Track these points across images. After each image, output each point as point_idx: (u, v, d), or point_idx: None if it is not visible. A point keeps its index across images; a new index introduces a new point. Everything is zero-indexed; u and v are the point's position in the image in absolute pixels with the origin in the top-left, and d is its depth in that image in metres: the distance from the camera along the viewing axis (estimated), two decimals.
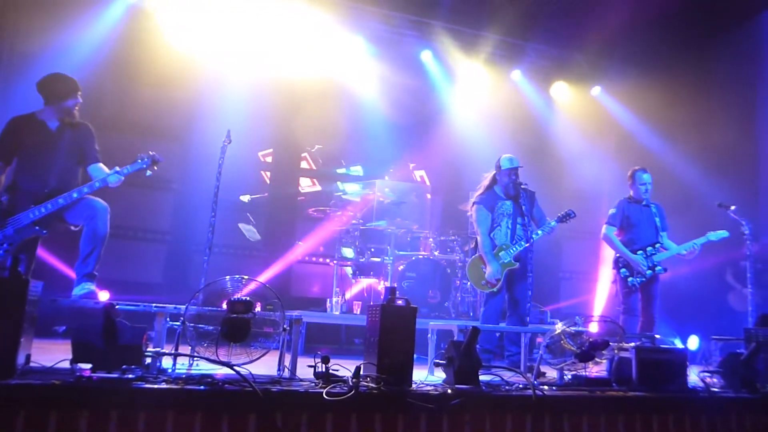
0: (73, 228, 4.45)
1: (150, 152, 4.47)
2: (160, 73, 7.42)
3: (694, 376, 4.33)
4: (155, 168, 4.48)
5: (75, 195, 4.31)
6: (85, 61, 6.76)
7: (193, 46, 7.75)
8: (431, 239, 7.70)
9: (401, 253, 7.49)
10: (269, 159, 9.03)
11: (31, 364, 3.08)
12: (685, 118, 8.75)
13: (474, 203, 5.82)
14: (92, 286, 4.22)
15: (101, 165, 4.55)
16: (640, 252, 5.97)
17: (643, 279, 5.92)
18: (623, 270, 5.99)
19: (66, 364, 3.05)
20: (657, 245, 6.02)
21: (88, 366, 2.91)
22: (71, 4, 7.04)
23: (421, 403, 3.15)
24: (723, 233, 6.00)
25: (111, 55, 7.22)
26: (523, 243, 5.57)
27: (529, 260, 5.57)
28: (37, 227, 4.26)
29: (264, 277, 7.31)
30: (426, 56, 9.22)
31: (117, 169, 4.42)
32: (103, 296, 4.15)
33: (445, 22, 8.81)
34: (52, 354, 3.27)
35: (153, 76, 7.44)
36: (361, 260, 7.43)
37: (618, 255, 6.05)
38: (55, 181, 4.35)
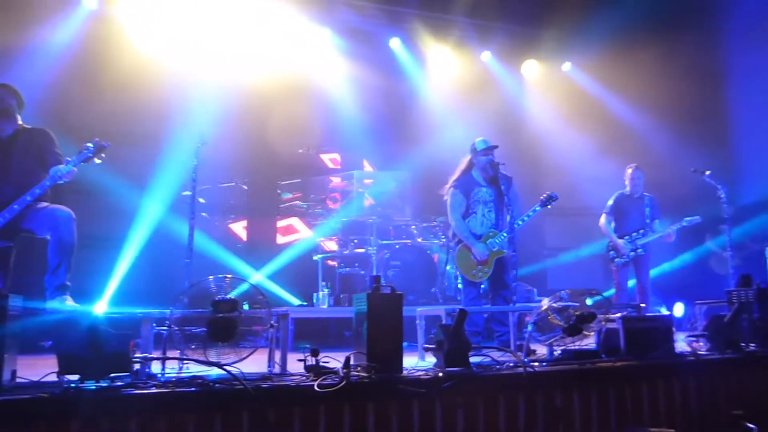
0: (39, 237, 4.34)
1: (95, 139, 4.39)
2: (127, 79, 7.29)
3: (681, 341, 4.40)
4: (102, 155, 4.39)
5: (28, 198, 4.20)
6: (48, 70, 6.65)
7: (159, 50, 7.64)
8: (413, 226, 7.70)
9: (384, 242, 7.49)
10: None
11: (18, 380, 3.04)
12: (655, 86, 8.83)
13: (450, 187, 5.80)
14: (67, 298, 4.15)
15: (62, 167, 4.39)
16: (626, 237, 6.85)
17: (627, 259, 6.80)
18: (611, 252, 6.96)
19: (53, 377, 3.02)
20: (641, 230, 6.84)
21: (76, 377, 2.89)
22: (30, 14, 6.90)
23: (412, 388, 3.16)
24: (696, 218, 6.73)
25: (75, 64, 7.08)
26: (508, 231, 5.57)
27: (514, 248, 5.56)
28: None
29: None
30: (395, 44, 9.19)
31: (67, 159, 4.35)
32: (97, 308, 4.11)
33: (413, 8, 8.79)
34: (38, 369, 3.22)
35: (119, 81, 7.31)
36: (345, 252, 7.42)
37: (609, 240, 6.96)
38: (11, 189, 4.24)
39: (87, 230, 7.18)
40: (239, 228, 8.72)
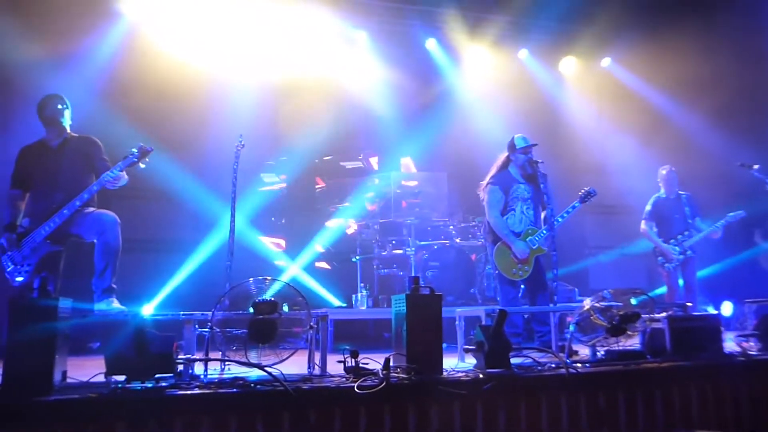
0: (87, 241, 4.50)
1: (139, 144, 4.50)
2: (169, 86, 7.45)
3: (730, 341, 4.26)
4: (147, 159, 4.50)
5: (77, 203, 4.37)
6: (95, 79, 6.86)
7: (199, 57, 7.77)
8: (452, 227, 7.66)
9: (423, 243, 7.47)
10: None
11: (68, 381, 3.13)
12: (696, 77, 8.51)
13: (488, 183, 5.72)
14: (114, 301, 4.27)
15: (108, 173, 4.51)
16: (672, 241, 6.81)
17: (677, 264, 6.76)
18: (660, 258, 6.89)
19: (101, 378, 3.10)
20: (686, 232, 6.79)
21: (122, 378, 2.96)
22: (77, 25, 7.10)
23: (453, 390, 3.14)
24: (740, 213, 6.67)
25: (120, 72, 7.27)
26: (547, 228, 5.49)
27: (554, 247, 5.46)
28: (50, 242, 4.35)
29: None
30: (431, 44, 9.16)
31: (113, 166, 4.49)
32: (143, 310, 4.22)
33: (449, 8, 8.74)
34: (87, 369, 3.32)
35: (161, 89, 7.48)
36: (383, 254, 7.43)
37: (655, 245, 6.89)
38: (61, 195, 4.41)
39: (157, 235, 7.52)
40: (270, 242, 8.78)
